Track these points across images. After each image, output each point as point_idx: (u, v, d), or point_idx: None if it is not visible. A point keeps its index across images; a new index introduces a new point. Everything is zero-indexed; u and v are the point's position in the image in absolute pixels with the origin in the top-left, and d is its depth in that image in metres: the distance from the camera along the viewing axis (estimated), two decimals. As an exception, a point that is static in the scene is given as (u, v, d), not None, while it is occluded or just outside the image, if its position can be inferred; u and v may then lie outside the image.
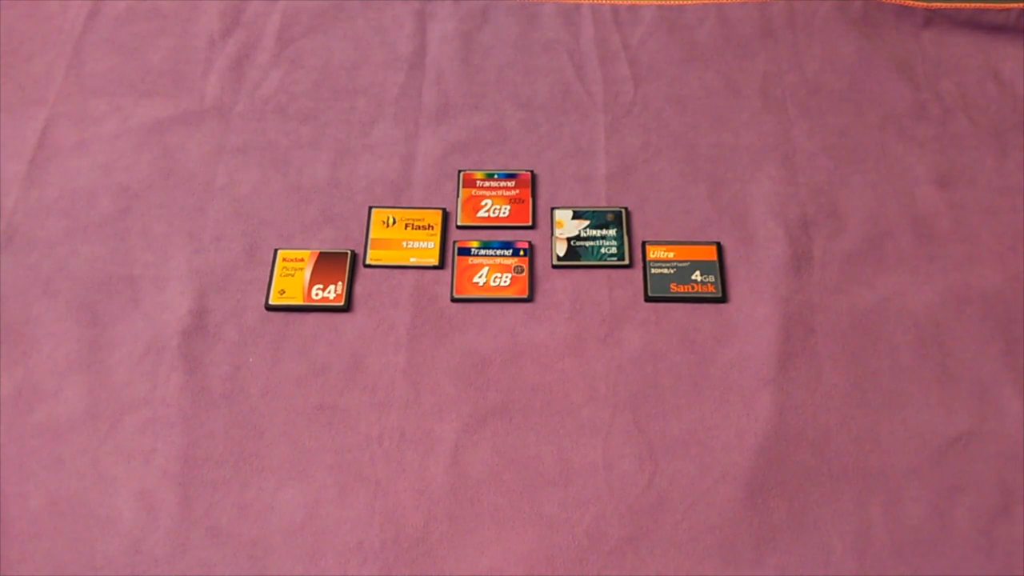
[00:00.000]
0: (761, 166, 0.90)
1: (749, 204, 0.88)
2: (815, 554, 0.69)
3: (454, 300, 0.82)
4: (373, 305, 0.81)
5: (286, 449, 0.74)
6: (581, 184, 0.89)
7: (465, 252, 0.84)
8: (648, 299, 0.82)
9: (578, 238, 0.85)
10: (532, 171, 0.90)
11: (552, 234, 0.86)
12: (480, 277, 0.83)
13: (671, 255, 0.84)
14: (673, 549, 0.69)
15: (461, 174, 0.89)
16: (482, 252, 0.84)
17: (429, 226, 0.86)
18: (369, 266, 0.84)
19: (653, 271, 0.83)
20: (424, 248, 0.85)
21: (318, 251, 0.84)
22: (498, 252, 0.84)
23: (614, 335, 0.79)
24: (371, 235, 0.85)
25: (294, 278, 0.82)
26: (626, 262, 0.84)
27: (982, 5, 1.00)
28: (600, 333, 0.80)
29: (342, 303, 0.81)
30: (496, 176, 0.89)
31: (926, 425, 0.75)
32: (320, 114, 0.94)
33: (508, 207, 0.87)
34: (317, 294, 0.81)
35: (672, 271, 0.83)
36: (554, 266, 0.84)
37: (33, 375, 0.77)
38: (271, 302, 0.81)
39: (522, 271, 0.83)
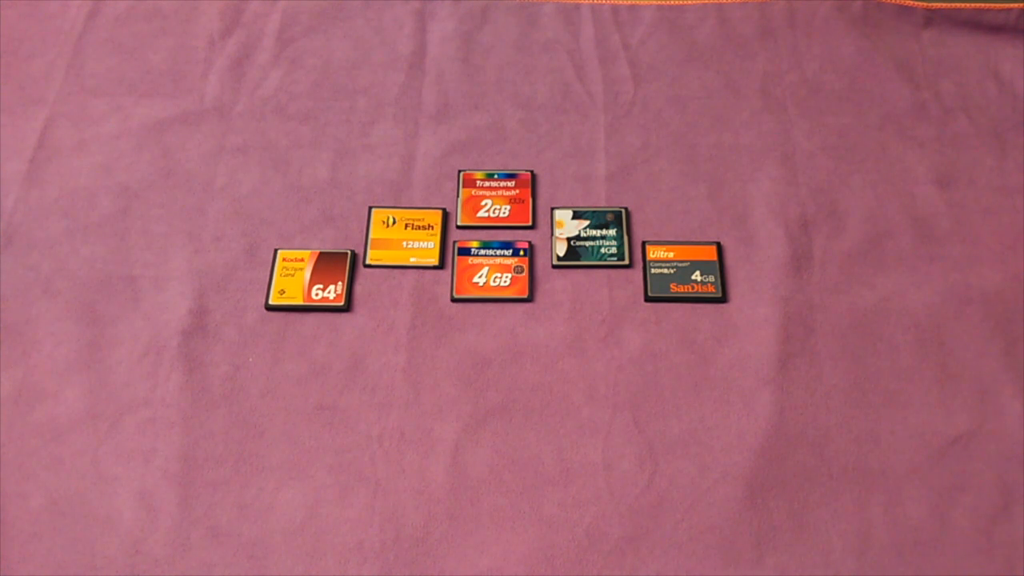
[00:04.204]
0: (761, 166, 0.90)
1: (749, 204, 0.88)
2: (815, 554, 0.69)
3: (454, 300, 0.82)
4: (373, 305, 0.81)
5: (286, 449, 0.74)
6: (581, 184, 0.89)
7: (465, 252, 0.84)
8: (648, 299, 0.82)
9: (578, 238, 0.85)
10: (532, 171, 0.90)
11: (552, 234, 0.86)
12: (480, 277, 0.83)
13: (671, 255, 0.84)
14: (673, 549, 0.69)
15: (461, 174, 0.89)
16: (482, 252, 0.84)
17: (429, 226, 0.86)
18: (369, 266, 0.84)
19: (653, 271, 0.83)
20: (424, 248, 0.85)
21: (318, 251, 0.84)
22: (498, 252, 0.84)
23: (614, 335, 0.79)
24: (371, 235, 0.85)
25: (294, 278, 0.82)
26: (626, 262, 0.84)
27: (982, 5, 1.00)
28: (600, 333, 0.80)
29: (342, 303, 0.81)
30: (496, 176, 0.89)
31: (926, 425, 0.75)
32: (320, 114, 0.94)
33: (508, 207, 0.87)
34: (317, 294, 0.81)
35: (672, 271, 0.83)
36: (554, 266, 0.84)
37: (33, 375, 0.77)
38: (271, 302, 0.81)
39: (522, 271, 0.83)
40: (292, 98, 0.95)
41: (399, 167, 0.90)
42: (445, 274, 0.83)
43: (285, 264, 0.83)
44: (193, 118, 0.93)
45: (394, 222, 0.86)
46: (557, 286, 0.83)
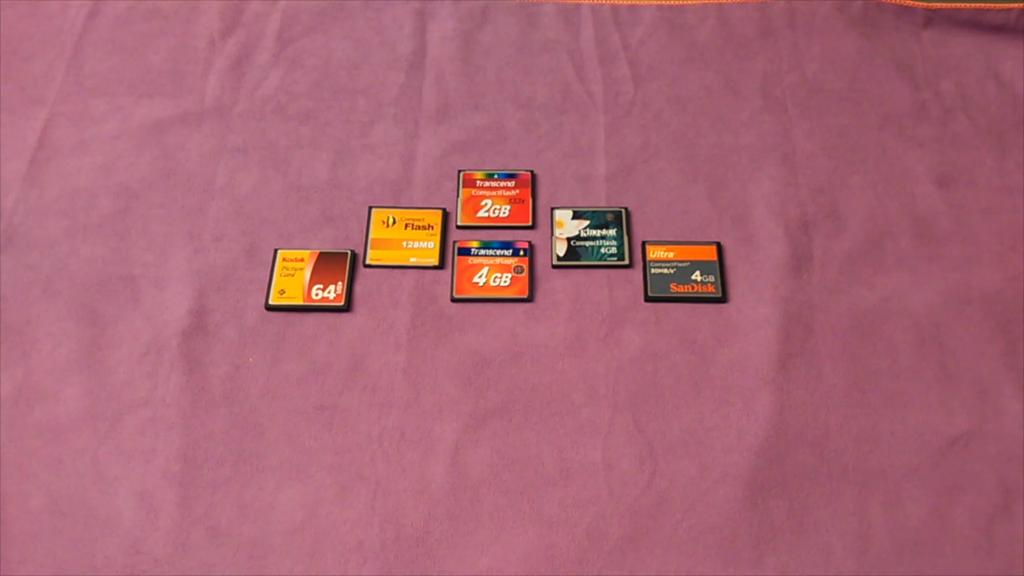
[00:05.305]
0: (761, 166, 0.90)
1: (749, 204, 0.88)
2: (815, 554, 0.69)
3: (454, 300, 0.82)
4: (373, 305, 0.81)
5: (286, 449, 0.74)
6: (581, 184, 0.89)
7: (465, 252, 0.84)
8: (648, 299, 0.82)
9: (578, 238, 0.85)
10: (532, 171, 0.90)
11: (552, 234, 0.86)
12: (480, 277, 0.83)
13: (671, 255, 0.84)
14: (673, 549, 0.69)
15: (461, 174, 0.89)
16: (482, 252, 0.84)
17: (429, 226, 0.86)
18: (369, 266, 0.84)
19: (653, 271, 0.83)
20: (424, 248, 0.85)
21: (318, 251, 0.84)
22: (498, 252, 0.84)
23: (614, 335, 0.79)
24: (371, 235, 0.85)
25: (294, 278, 0.82)
26: (626, 262, 0.84)
27: (982, 5, 1.00)
28: (600, 333, 0.80)
29: (342, 303, 0.81)
30: (496, 176, 0.89)
31: (926, 425, 0.75)
32: (320, 114, 0.94)
33: (508, 207, 0.88)
34: (317, 294, 0.81)
35: (672, 271, 0.83)
36: (554, 266, 0.84)
37: (33, 375, 0.77)
38: (271, 302, 0.81)
39: (522, 271, 0.83)
40: (292, 98, 0.95)
41: (399, 167, 0.90)
42: (445, 274, 0.83)
43: (285, 264, 0.83)
44: (193, 118, 0.93)
45: (394, 222, 0.86)
46: (557, 286, 0.83)
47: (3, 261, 0.83)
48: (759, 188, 0.89)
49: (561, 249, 0.85)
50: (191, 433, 0.74)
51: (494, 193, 0.88)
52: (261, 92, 0.96)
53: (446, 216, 0.87)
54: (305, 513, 0.71)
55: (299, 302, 0.81)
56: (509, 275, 0.83)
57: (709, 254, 0.84)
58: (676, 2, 1.04)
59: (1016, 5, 1.00)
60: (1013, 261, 0.84)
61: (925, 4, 1.02)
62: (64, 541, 0.69)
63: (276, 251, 0.84)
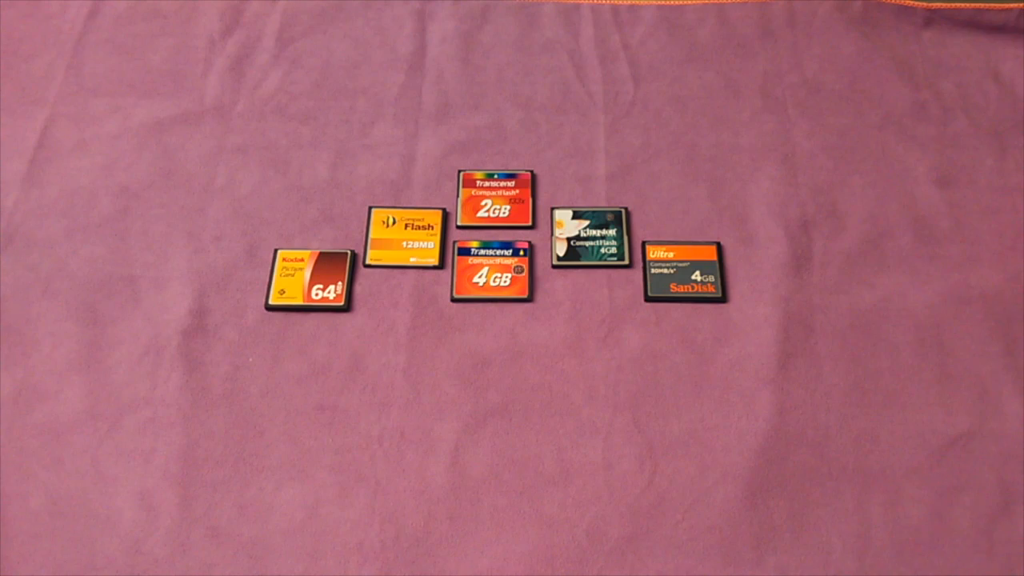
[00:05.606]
0: (761, 166, 0.90)
1: (749, 204, 0.88)
2: (815, 554, 0.69)
3: (454, 300, 0.82)
4: (373, 305, 0.81)
5: (286, 449, 0.74)
6: (581, 184, 0.89)
7: (465, 252, 0.84)
8: (648, 299, 0.82)
9: (578, 238, 0.85)
10: (532, 171, 0.90)
11: (552, 234, 0.86)
12: (480, 277, 0.83)
13: (671, 255, 0.84)
14: (673, 549, 0.69)
15: (461, 174, 0.90)
16: (482, 252, 0.84)
17: (429, 226, 0.86)
18: (369, 266, 0.84)
19: (653, 271, 0.83)
20: (424, 248, 0.85)
21: (318, 251, 0.84)
22: (498, 252, 0.84)
23: (614, 335, 0.79)
24: (371, 235, 0.85)
25: (294, 278, 0.82)
26: (626, 262, 0.84)
27: (982, 5, 1.00)
28: (600, 333, 0.80)
29: (342, 303, 0.81)
30: (496, 176, 0.89)
31: (926, 425, 0.75)
32: (320, 114, 0.94)
33: (508, 207, 0.88)
34: (317, 294, 0.81)
35: (672, 271, 0.83)
36: (554, 266, 0.84)
37: (33, 375, 0.77)
38: (271, 302, 0.81)
39: (522, 271, 0.83)
40: (292, 98, 0.95)
41: (399, 167, 0.90)
42: (445, 274, 0.83)
43: (285, 264, 0.83)
44: (193, 118, 0.93)
45: (394, 222, 0.86)
46: (557, 286, 0.83)
47: (3, 261, 0.83)
48: (759, 188, 0.89)
49: (561, 249, 0.85)
50: (191, 433, 0.74)
51: (494, 193, 0.88)
52: (261, 92, 0.96)
53: (446, 216, 0.87)
54: (305, 513, 0.71)
55: (299, 302, 0.81)
56: (509, 275, 0.83)
57: (709, 254, 0.84)
58: (676, 2, 1.04)
59: (1016, 5, 1.00)
60: (1013, 261, 0.84)
61: (925, 4, 1.02)
62: (64, 541, 0.69)
63: (276, 251, 0.84)
